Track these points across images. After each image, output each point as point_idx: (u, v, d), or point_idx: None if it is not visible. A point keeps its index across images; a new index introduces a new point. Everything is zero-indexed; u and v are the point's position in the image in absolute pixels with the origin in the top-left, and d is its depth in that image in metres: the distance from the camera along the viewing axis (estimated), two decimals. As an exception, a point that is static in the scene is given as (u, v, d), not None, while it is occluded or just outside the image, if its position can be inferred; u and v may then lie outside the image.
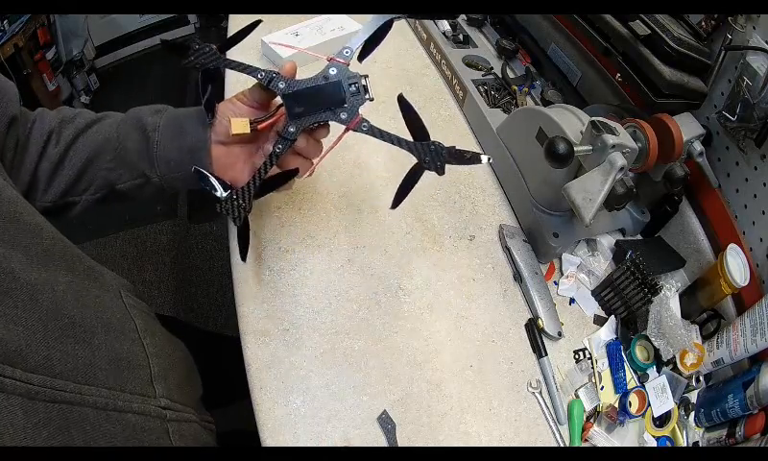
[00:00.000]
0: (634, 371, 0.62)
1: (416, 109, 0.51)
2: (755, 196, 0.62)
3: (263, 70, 0.51)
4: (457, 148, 0.50)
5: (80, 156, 0.52)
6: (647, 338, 0.62)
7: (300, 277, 0.62)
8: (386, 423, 0.53)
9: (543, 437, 0.56)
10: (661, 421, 0.59)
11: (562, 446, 0.55)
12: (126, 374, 0.43)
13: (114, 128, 0.54)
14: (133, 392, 0.43)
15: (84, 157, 0.52)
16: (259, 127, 0.52)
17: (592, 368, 0.60)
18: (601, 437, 0.56)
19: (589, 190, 0.54)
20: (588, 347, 0.63)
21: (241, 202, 0.50)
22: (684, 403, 0.61)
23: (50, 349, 0.35)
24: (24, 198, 0.41)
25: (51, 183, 0.52)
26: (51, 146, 0.52)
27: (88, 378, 0.38)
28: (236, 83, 0.85)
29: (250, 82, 0.83)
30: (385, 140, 0.51)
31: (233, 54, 0.99)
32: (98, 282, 0.46)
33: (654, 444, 0.58)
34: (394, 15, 0.56)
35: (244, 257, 0.54)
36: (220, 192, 0.51)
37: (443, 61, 0.92)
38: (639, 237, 0.74)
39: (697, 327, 0.64)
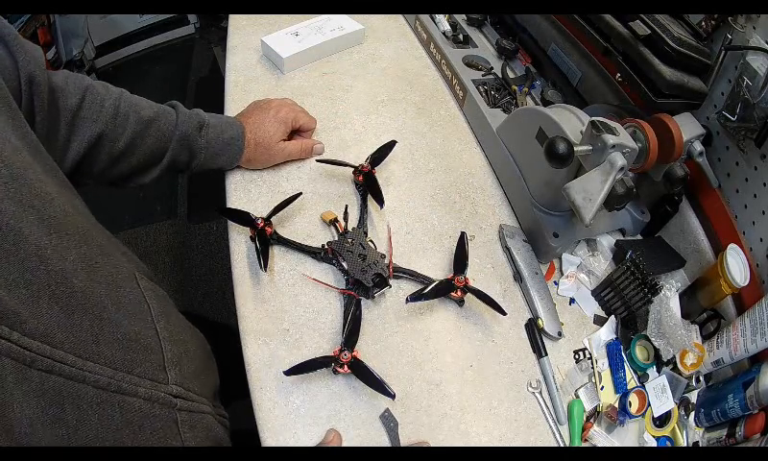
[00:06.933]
0: (634, 371, 0.62)
1: (467, 248, 0.64)
2: (755, 196, 0.62)
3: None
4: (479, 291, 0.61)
5: (123, 169, 0.60)
6: (647, 338, 0.62)
7: (301, 276, 0.62)
8: (388, 421, 0.53)
9: (543, 437, 0.56)
10: (661, 421, 0.59)
11: (562, 446, 0.55)
12: (135, 355, 0.42)
13: (163, 146, 0.62)
14: (142, 375, 0.42)
15: (127, 170, 0.61)
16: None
17: (592, 368, 0.60)
18: (601, 437, 0.56)
19: (589, 190, 0.54)
20: (588, 347, 0.63)
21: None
22: (684, 403, 0.61)
23: (53, 317, 0.34)
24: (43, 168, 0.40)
25: (103, 177, 0.60)
26: (101, 152, 0.57)
27: (92, 354, 0.37)
28: (236, 84, 0.85)
29: (247, 77, 0.84)
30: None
31: (234, 56, 1.00)
32: (112, 260, 0.45)
33: (654, 444, 0.58)
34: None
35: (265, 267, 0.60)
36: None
37: (443, 61, 0.92)
38: (639, 237, 0.74)
39: (697, 327, 0.64)
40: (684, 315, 0.65)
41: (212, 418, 0.53)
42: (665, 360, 0.61)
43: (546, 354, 0.60)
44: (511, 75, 0.90)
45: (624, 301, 0.64)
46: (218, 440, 0.53)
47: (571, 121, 0.61)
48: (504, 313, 0.60)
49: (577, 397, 0.59)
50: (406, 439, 0.53)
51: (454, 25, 0.99)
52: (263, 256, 0.59)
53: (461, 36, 0.96)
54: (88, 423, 0.35)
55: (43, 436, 0.32)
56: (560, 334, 0.62)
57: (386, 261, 0.63)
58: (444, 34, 0.96)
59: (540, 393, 0.58)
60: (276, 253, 0.64)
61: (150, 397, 0.42)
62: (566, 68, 0.83)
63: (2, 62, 0.42)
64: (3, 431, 0.29)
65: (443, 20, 0.98)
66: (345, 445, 0.51)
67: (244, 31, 0.95)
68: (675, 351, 0.61)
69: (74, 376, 0.35)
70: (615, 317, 0.65)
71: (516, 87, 0.87)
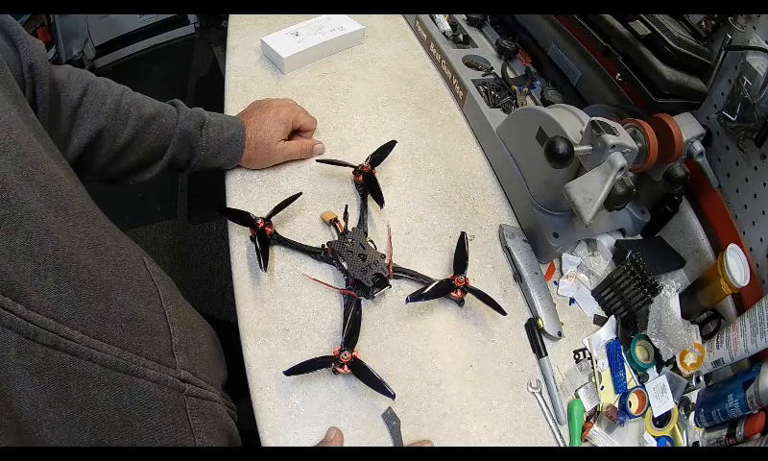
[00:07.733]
0: (634, 371, 0.62)
1: (467, 248, 0.64)
2: (755, 196, 0.62)
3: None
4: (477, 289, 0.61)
5: (124, 164, 0.60)
6: (647, 338, 0.62)
7: (301, 276, 0.62)
8: (390, 419, 0.53)
9: (543, 437, 0.56)
10: (661, 421, 0.59)
11: (562, 446, 0.55)
12: (143, 337, 0.41)
13: (165, 140, 0.62)
14: (150, 357, 0.41)
15: (128, 166, 0.61)
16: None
17: (592, 368, 0.60)
18: (601, 437, 0.56)
19: (589, 190, 0.54)
20: (588, 347, 0.63)
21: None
22: (684, 403, 0.61)
23: (60, 293, 0.33)
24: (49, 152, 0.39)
25: (102, 173, 0.59)
26: (102, 146, 0.56)
27: (100, 333, 0.35)
28: (236, 84, 0.85)
29: (247, 77, 0.84)
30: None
31: (234, 56, 1.00)
32: (119, 243, 0.44)
33: (654, 444, 0.58)
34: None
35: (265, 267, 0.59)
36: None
37: (443, 61, 0.92)
38: (639, 237, 0.74)
39: (697, 327, 0.64)
40: (684, 315, 0.65)
41: (221, 407, 0.52)
42: (665, 360, 0.61)
43: (546, 354, 0.60)
44: (511, 75, 0.90)
45: (624, 301, 0.64)
46: (228, 430, 0.52)
47: (571, 121, 0.61)
48: (504, 313, 0.60)
49: (577, 397, 0.59)
50: (406, 439, 0.53)
51: (454, 25, 0.99)
52: (263, 256, 0.59)
53: (461, 36, 0.96)
54: (94, 402, 0.34)
55: (46, 415, 0.30)
56: (560, 334, 0.62)
57: (386, 261, 0.63)
58: (444, 34, 0.96)
59: (540, 393, 0.58)
60: (276, 253, 0.64)
61: (158, 379, 0.41)
62: (566, 68, 0.83)
63: (5, 52, 0.41)
64: (4, 408, 0.27)
65: (443, 20, 0.98)
66: (345, 444, 0.51)
67: (244, 31, 0.95)
68: (675, 351, 0.61)
69: (80, 353, 0.33)
70: (615, 317, 0.65)
71: (516, 87, 0.87)
